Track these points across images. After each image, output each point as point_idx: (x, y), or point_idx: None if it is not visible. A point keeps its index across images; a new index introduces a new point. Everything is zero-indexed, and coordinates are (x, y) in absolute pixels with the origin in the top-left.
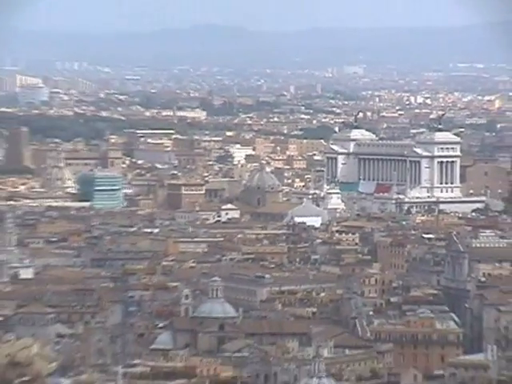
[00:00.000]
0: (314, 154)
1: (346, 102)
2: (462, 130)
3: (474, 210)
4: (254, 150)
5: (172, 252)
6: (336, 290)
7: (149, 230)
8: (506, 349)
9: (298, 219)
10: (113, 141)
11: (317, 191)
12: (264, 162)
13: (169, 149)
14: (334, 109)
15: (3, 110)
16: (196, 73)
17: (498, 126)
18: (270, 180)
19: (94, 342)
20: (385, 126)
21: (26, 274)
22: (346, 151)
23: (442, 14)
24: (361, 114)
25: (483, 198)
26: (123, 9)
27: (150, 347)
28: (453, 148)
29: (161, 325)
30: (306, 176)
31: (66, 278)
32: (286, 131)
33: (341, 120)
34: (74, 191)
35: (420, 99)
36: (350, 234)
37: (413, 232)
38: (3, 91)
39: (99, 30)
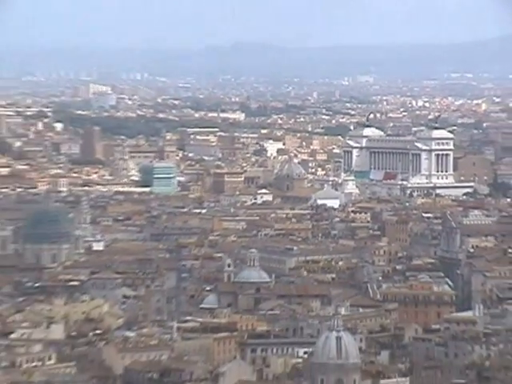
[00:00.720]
0: (333, 148)
1: (359, 105)
2: (455, 128)
3: (464, 194)
4: (283, 144)
5: (217, 228)
6: (351, 259)
7: (198, 211)
8: (490, 307)
9: (319, 201)
10: (168, 137)
11: (335, 178)
12: (292, 154)
13: (214, 144)
14: (350, 111)
15: (79, 112)
16: (236, 81)
17: (484, 124)
18: (297, 169)
19: (154, 302)
20: (391, 124)
21: (98, 246)
22: (359, 146)
23: (438, 33)
24: (371, 115)
25: (472, 184)
26: (176, 29)
27: (199, 306)
28: (447, 143)
29: (208, 288)
30: (327, 166)
31: (131, 250)
32: (310, 129)
33: (355, 120)
34: (136, 179)
35: (420, 103)
36: (363, 214)
37: (414, 212)
38: (79, 97)
39: (157, 47)
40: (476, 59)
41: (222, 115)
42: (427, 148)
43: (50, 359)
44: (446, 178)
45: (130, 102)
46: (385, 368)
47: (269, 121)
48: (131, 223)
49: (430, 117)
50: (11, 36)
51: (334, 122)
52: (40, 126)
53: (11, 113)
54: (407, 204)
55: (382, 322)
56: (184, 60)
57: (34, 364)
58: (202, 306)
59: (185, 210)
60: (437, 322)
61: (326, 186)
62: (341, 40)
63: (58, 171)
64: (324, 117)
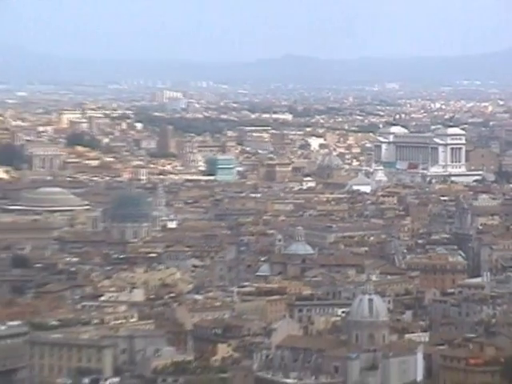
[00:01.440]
0: (366, 143)
1: (387, 108)
2: (466, 126)
3: (474, 181)
4: (324, 140)
5: (269, 210)
6: (381, 235)
7: (253, 195)
8: (496, 274)
9: (354, 187)
10: (229, 135)
11: (367, 168)
12: (331, 148)
13: (267, 140)
14: (379, 112)
15: (156, 114)
16: (285, 88)
17: (491, 123)
18: (336, 161)
19: (217, 270)
20: (413, 123)
21: (171, 224)
22: (387, 141)
23: (452, 47)
24: (397, 116)
25: (480, 173)
26: (234, 43)
27: (255, 274)
28: (459, 138)
29: (262, 259)
30: (360, 158)
31: (198, 228)
32: (346, 127)
33: (384, 120)
34: (202, 169)
35: (437, 105)
36: (390, 197)
37: (433, 195)
38: (156, 102)
39: (219, 59)
40: (484, 69)
41: (274, 116)
42: (443, 143)
43: (132, 317)
44: (459, 168)
45: (197, 106)
46: (408, 325)
47: (312, 120)
48: (198, 205)
49: (445, 117)
50: (101, 50)
51: (366, 121)
52: (124, 125)
53: (100, 115)
54: (427, 189)
55: (406, 286)
56: (242, 70)
57: (119, 321)
58: (257, 273)
59: (243, 194)
60: (451, 287)
61: (359, 174)
62: (372, 53)
63: (139, 163)
64: (358, 117)
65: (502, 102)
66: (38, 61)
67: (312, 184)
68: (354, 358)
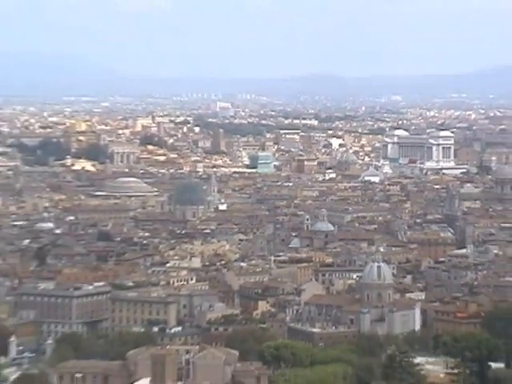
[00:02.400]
0: (375, 143)
1: (392, 115)
2: (454, 130)
3: (460, 173)
4: (343, 140)
5: (299, 196)
6: (387, 215)
7: (287, 184)
8: (477, 246)
9: (366, 178)
10: (268, 136)
11: (376, 163)
12: (348, 147)
13: (297, 140)
14: (386, 118)
15: (210, 120)
16: (312, 99)
17: (474, 127)
18: (352, 157)
19: (258, 243)
20: (413, 127)
21: (222, 207)
22: (392, 141)
23: (444, 66)
24: (400, 122)
25: (465, 167)
26: (270, 62)
27: (288, 246)
28: (449, 139)
29: (293, 234)
30: (371, 155)
31: (243, 209)
32: (360, 130)
33: (389, 125)
34: (247, 163)
35: (432, 113)
36: (394, 186)
37: (428, 184)
38: (210, 110)
39: (259, 76)
40: (469, 85)
41: (303, 122)
42: (436, 143)
43: (191, 280)
44: (449, 163)
45: (242, 113)
46: (408, 286)
47: (333, 125)
48: (243, 192)
49: (438, 122)
50: (168, 69)
51: (375, 126)
52: (184, 129)
53: (166, 121)
54: (423, 179)
55: (407, 256)
56: (278, 85)
57: (181, 283)
58: (289, 246)
59: (278, 183)
60: (442, 256)
61: (370, 167)
62: (380, 72)
63: (196, 158)
64: (369, 122)
65: (482, 111)
66: (118, 78)
67: (333, 175)
68: (365, 312)
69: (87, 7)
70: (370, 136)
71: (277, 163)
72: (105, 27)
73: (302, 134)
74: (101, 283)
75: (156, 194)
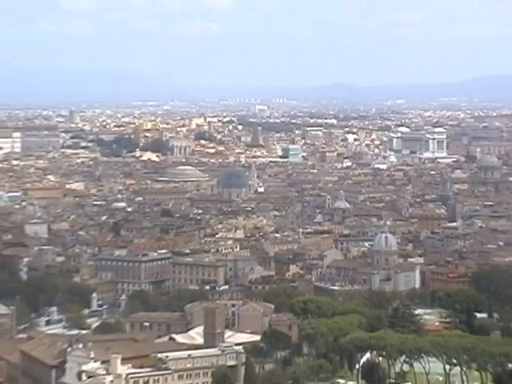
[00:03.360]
0: (383, 138)
1: (397, 115)
2: (446, 127)
3: (452, 161)
4: (357, 136)
5: (322, 180)
6: (392, 195)
7: (312, 171)
8: (465, 220)
9: (376, 165)
10: (296, 133)
11: (384, 153)
12: (361, 141)
13: (320, 136)
14: (391, 118)
15: (250, 120)
16: (332, 103)
17: (462, 125)
18: (364, 149)
19: (289, 218)
20: (413, 125)
21: (260, 189)
22: (396, 136)
23: (439, 75)
24: (403, 120)
25: (456, 156)
26: (299, 74)
27: (313, 220)
28: (442, 135)
29: (317, 211)
30: (380, 147)
31: (277, 191)
32: (370, 127)
33: (394, 123)
34: (280, 154)
35: (428, 113)
36: (398, 172)
37: (425, 171)
38: (250, 112)
39: (289, 85)
40: (458, 91)
41: (325, 121)
42: (432, 137)
43: (236, 248)
44: (442, 153)
45: (276, 114)
46: (410, 252)
47: (349, 123)
48: (277, 177)
49: (434, 121)
50: (217, 79)
51: (383, 124)
52: (230, 127)
53: (215, 120)
54: (421, 167)
55: (409, 228)
56: (305, 92)
57: (228, 250)
58: (314, 220)
59: (305, 170)
60: (437, 228)
61: (379, 157)
62: (387, 81)
63: (239, 150)
64: (378, 121)
65: (469, 112)
66: (177, 86)
67: (349, 163)
68: (375, 273)
69: (157, 32)
70: (379, 132)
71: (304, 154)
72: (168, 47)
73: (324, 130)
74: (163, 251)
75: (207, 179)
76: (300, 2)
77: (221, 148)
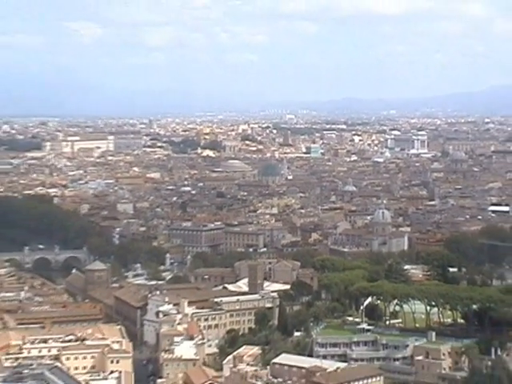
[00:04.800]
0: (380, 139)
1: (390, 121)
2: (427, 130)
3: (431, 156)
4: (361, 137)
5: (335, 170)
6: (387, 181)
7: (328, 163)
8: (441, 199)
9: (375, 159)
10: (316, 135)
11: (381, 150)
12: (365, 141)
13: (334, 137)
14: (387, 123)
15: (282, 125)
16: (342, 113)
17: (439, 129)
18: (366, 147)
19: (311, 198)
20: (402, 129)
21: (290, 177)
22: (390, 137)
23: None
24: (395, 125)
25: (434, 152)
26: (315, 90)
27: (329, 200)
28: (424, 136)
29: (332, 193)
30: (378, 145)
31: (302, 179)
32: (371, 131)
33: (389, 127)
34: (304, 151)
35: (414, 120)
36: (392, 164)
37: (412, 163)
38: (282, 120)
39: (310, 99)
40: (436, 103)
41: (337, 126)
42: (416, 138)
43: (271, 220)
44: (424, 150)
45: (301, 121)
46: (400, 223)
47: (355, 128)
48: (302, 168)
49: (418, 126)
50: (258, 95)
51: (380, 128)
52: (267, 131)
53: (256, 126)
54: (409, 160)
55: (400, 205)
56: (321, 105)
57: (266, 222)
58: (330, 200)
59: (323, 163)
60: (421, 205)
61: (377, 153)
62: (382, 95)
63: (274, 148)
64: (376, 126)
65: (443, 119)
66: (228, 101)
67: (355, 158)
68: (375, 239)
69: (212, 61)
70: (377, 134)
71: (321, 151)
72: (221, 72)
73: (337, 133)
74: (218, 223)
75: (250, 169)
76: (315, 37)
77: (260, 147)
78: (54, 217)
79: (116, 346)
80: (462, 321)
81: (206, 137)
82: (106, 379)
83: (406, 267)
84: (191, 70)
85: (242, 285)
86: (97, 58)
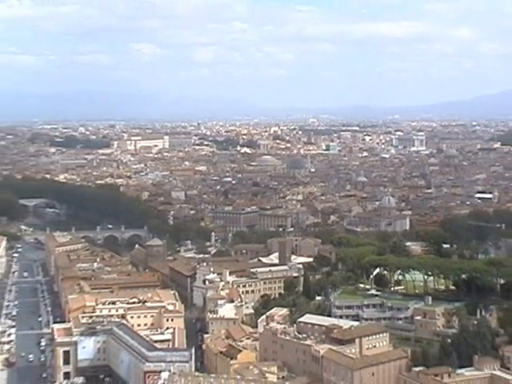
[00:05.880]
0: (387, 138)
1: (395, 125)
2: (425, 131)
3: (429, 153)
4: (371, 137)
5: (350, 164)
6: (393, 173)
7: (343, 159)
8: (437, 188)
9: (382, 155)
10: (334, 135)
11: (387, 148)
12: (374, 140)
13: (348, 137)
14: (392, 126)
15: (306, 127)
16: (354, 119)
17: (435, 130)
18: (375, 145)
19: (330, 187)
20: (405, 130)
21: (312, 169)
22: (394, 137)
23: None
24: (398, 128)
25: (430, 149)
26: (329, 98)
27: (344, 188)
28: (422, 136)
29: (347, 183)
30: (385, 144)
31: (323, 171)
32: (379, 132)
33: (393, 129)
34: (324, 148)
35: (414, 124)
36: (396, 159)
37: (412, 158)
38: (306, 123)
39: (326, 106)
40: (432, 109)
41: (351, 128)
42: (416, 138)
43: (298, 205)
44: (422, 148)
45: (322, 124)
46: (403, 208)
47: (366, 130)
48: (322, 162)
49: (417, 128)
50: (287, 101)
51: (387, 130)
52: (294, 132)
53: (285, 128)
54: (410, 156)
55: (403, 193)
56: (335, 111)
57: (293, 206)
58: (345, 188)
59: (339, 158)
60: (420, 193)
61: (384, 150)
62: (389, 103)
63: (300, 146)
64: (383, 128)
65: (439, 122)
66: (261, 108)
67: (366, 154)
68: (382, 220)
69: (250, 76)
70: (384, 135)
71: (338, 148)
72: (257, 85)
73: (351, 134)
74: (254, 207)
75: (280, 163)
76: (333, 56)
77: (288, 145)
78: (120, 202)
79: (171, 308)
80: (453, 287)
81: (244, 137)
82: (163, 334)
83: (408, 244)
84: (231, 82)
85: (273, 258)
86: (155, 73)
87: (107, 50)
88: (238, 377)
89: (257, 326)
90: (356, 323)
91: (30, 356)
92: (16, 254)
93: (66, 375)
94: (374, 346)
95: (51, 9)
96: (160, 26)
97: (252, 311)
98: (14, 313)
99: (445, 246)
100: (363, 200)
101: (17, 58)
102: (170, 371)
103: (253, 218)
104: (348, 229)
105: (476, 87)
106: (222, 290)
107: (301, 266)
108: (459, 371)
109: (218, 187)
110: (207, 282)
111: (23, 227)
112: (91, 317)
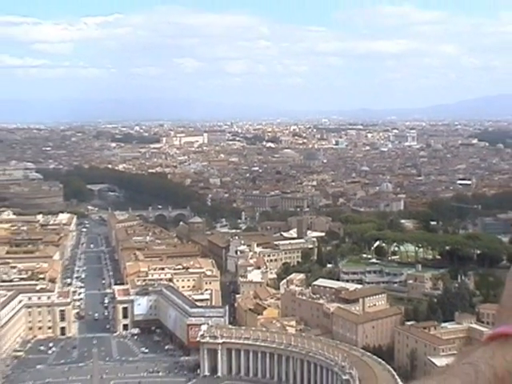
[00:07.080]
0: (386, 136)
1: (391, 124)
2: (416, 129)
3: (420, 147)
4: (372, 134)
5: (356, 156)
6: (390, 164)
7: (350, 152)
8: (426, 176)
9: (381, 149)
10: (342, 133)
11: (385, 143)
12: (375, 137)
13: (354, 135)
14: (389, 125)
15: (319, 127)
16: (359, 119)
17: (424, 128)
18: (375, 141)
19: (339, 174)
20: (400, 129)
21: (325, 161)
22: (391, 134)
23: (411, 102)
24: (395, 127)
25: (421, 144)
26: (335, 101)
27: (351, 176)
28: (414, 134)
29: (352, 171)
30: (383, 140)
31: (332, 162)
32: (379, 130)
33: (392, 128)
34: (334, 143)
35: (407, 123)
36: (393, 152)
37: (406, 151)
38: (319, 123)
39: (333, 109)
40: (424, 111)
41: (356, 127)
42: (409, 135)
43: (312, 190)
44: (414, 143)
45: (332, 123)
46: (398, 192)
47: (368, 128)
48: (332, 155)
49: (410, 127)
50: (304, 105)
51: (385, 128)
52: (309, 130)
53: (302, 127)
54: (404, 150)
55: (398, 180)
56: (344, 113)
57: (308, 191)
58: (351, 176)
59: (346, 152)
60: (412, 180)
61: (383, 145)
62: (387, 106)
63: (314, 141)
64: (383, 127)
65: (428, 122)
66: (278, 111)
67: (368, 148)
68: (381, 202)
69: (273, 84)
70: (383, 132)
71: (346, 143)
72: (279, 92)
73: (356, 132)
74: (277, 191)
75: (298, 156)
76: (341, 67)
77: (305, 141)
78: (167, 187)
79: (209, 273)
80: (438, 257)
81: (269, 134)
82: (202, 294)
83: (402, 221)
84: (258, 89)
85: (293, 233)
86: (194, 82)
87: (155, 63)
88: (264, 329)
89: (279, 288)
90: (360, 286)
91: (96, 312)
92: (84, 229)
93: (125, 327)
94: (374, 305)
95: (112, 31)
96: (198, 43)
97: (275, 276)
98: (83, 276)
99: (432, 223)
100: (366, 185)
101: (85, 71)
102: (208, 324)
103: (276, 200)
104: (353, 209)
105: (458, 94)
106: (250, 258)
107: (315, 239)
108: (443, 325)
109: (248, 175)
110: (239, 252)
111: (90, 207)
112: (144, 280)
